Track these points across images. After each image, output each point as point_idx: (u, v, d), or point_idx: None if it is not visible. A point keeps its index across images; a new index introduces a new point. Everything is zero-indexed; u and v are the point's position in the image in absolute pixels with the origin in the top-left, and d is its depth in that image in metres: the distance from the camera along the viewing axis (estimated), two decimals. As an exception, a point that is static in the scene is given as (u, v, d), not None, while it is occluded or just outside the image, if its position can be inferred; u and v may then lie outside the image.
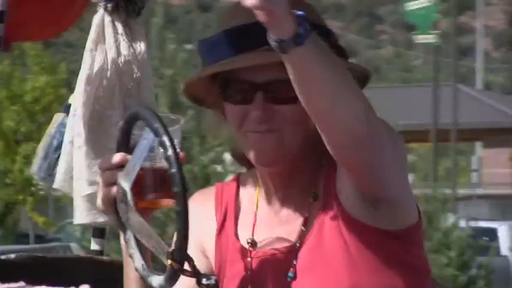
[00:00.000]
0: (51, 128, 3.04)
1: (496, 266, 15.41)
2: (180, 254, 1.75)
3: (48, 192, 21.71)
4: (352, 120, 1.80)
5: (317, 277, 1.93)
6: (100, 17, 2.79)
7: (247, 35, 1.94)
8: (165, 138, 1.73)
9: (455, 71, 29.91)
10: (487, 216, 26.28)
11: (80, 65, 3.02)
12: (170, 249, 1.76)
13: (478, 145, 40.05)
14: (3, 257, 2.47)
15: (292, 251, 1.96)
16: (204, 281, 1.83)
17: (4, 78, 20.29)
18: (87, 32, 2.82)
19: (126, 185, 1.80)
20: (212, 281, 1.83)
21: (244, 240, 2.01)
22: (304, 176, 2.01)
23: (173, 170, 1.71)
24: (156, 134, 1.75)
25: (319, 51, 1.79)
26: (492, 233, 19.85)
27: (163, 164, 1.78)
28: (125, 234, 1.88)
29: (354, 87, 1.83)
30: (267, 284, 1.97)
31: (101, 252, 2.95)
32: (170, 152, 1.71)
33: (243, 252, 2.00)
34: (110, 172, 1.86)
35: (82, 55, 2.86)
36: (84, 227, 11.24)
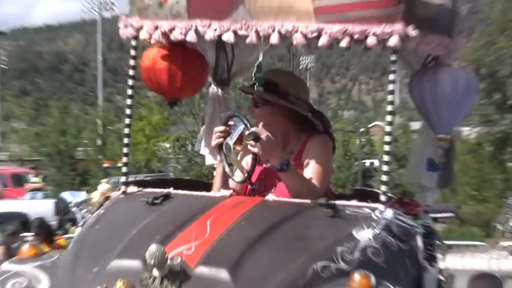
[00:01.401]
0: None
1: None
2: (249, 174, 3.30)
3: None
4: (308, 198, 3.08)
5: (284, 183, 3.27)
6: (213, 88, 4.22)
7: (273, 86, 3.35)
8: (251, 128, 3.15)
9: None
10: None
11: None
12: (248, 170, 3.29)
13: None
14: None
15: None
16: (252, 185, 3.35)
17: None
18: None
19: (231, 142, 3.21)
20: (255, 186, 3.34)
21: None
22: (291, 141, 3.47)
23: (252, 137, 3.10)
24: (246, 126, 3.16)
25: (293, 177, 3.13)
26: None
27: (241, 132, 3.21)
28: (221, 158, 3.36)
29: (312, 192, 3.12)
30: (266, 183, 3.40)
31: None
32: (254, 129, 3.16)
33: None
34: (219, 134, 3.28)
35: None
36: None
